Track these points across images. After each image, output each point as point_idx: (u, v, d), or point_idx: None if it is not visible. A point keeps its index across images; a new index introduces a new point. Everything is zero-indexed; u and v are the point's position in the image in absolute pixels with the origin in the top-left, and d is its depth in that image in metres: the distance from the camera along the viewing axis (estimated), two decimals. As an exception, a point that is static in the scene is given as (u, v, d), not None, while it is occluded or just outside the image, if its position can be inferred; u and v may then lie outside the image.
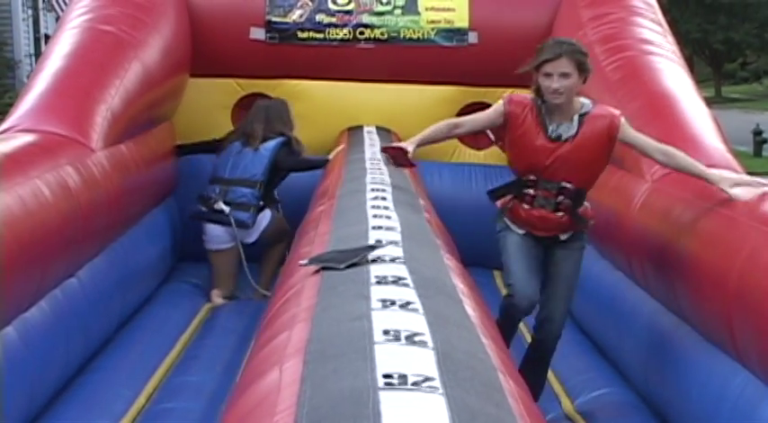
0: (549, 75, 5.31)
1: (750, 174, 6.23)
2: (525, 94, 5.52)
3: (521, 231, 5.57)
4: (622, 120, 5.40)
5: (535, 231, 5.55)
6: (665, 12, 8.78)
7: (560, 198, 5.45)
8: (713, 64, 50.04)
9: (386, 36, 8.94)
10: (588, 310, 7.16)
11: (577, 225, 5.56)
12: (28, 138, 6.06)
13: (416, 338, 2.62)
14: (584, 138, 5.34)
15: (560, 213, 5.48)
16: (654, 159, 5.48)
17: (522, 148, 5.46)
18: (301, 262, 3.81)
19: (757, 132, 25.36)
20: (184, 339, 6.97)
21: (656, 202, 5.97)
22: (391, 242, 3.90)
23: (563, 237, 5.59)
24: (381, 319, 2.78)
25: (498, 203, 5.73)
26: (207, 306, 7.87)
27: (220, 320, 7.43)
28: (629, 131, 5.40)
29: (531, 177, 5.47)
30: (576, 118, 5.35)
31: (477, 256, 8.32)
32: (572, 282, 5.63)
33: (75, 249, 5.75)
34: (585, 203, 5.59)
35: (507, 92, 8.89)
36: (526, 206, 5.52)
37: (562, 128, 5.36)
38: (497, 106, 5.54)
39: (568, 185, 5.44)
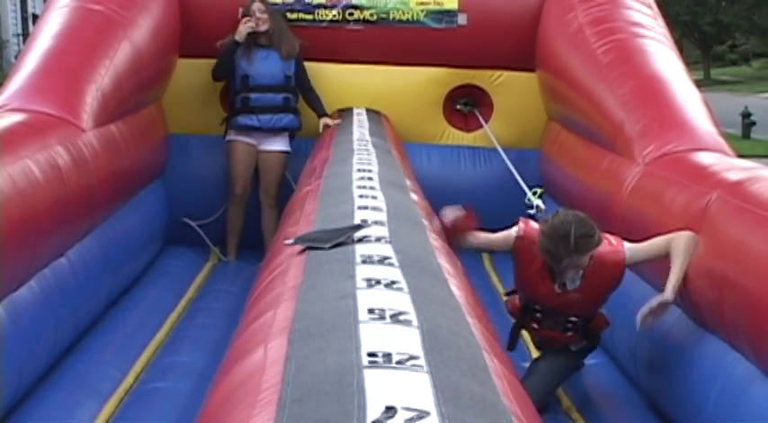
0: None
1: (739, 156, 6.25)
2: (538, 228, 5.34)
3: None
4: (627, 253, 5.25)
5: (544, 346, 5.62)
6: (656, -6, 8.76)
7: (569, 325, 5.46)
8: (702, 46, 50.05)
9: (375, 17, 8.92)
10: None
11: (590, 341, 5.59)
12: (18, 117, 6.05)
13: (401, 317, 2.63)
14: (590, 284, 5.27)
15: (570, 333, 5.49)
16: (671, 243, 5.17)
17: (528, 287, 5.45)
18: (287, 241, 3.81)
19: (746, 115, 25.39)
20: (173, 319, 6.98)
21: (648, 186, 5.97)
22: (377, 222, 3.90)
23: (573, 348, 5.60)
24: (366, 298, 2.79)
25: (509, 306, 5.75)
26: (195, 285, 7.90)
27: (209, 301, 7.44)
28: (634, 256, 5.26)
29: (537, 307, 5.48)
30: (589, 256, 5.20)
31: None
32: (559, 372, 5.61)
33: (64, 229, 5.74)
34: (600, 311, 5.55)
35: (497, 73, 9.02)
36: (535, 325, 5.53)
37: (568, 278, 5.26)
38: (509, 237, 5.40)
39: (576, 320, 5.45)
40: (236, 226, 8.77)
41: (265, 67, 8.49)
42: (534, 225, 5.40)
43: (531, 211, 6.67)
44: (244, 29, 8.40)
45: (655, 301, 5.02)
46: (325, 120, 8.47)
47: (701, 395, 4.78)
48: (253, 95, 8.49)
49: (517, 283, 5.58)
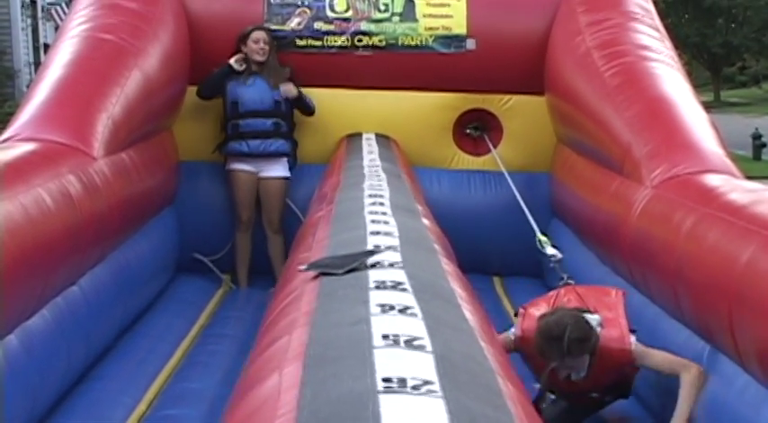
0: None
1: (749, 178, 6.26)
2: (538, 320, 5.26)
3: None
4: (633, 347, 5.15)
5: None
6: (663, 16, 8.80)
7: (593, 395, 5.43)
8: (712, 68, 50.06)
9: (384, 43, 8.96)
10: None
11: (621, 393, 5.51)
12: (29, 146, 6.08)
13: (415, 343, 2.63)
14: (597, 373, 5.16)
15: (595, 394, 5.42)
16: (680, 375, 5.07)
17: (539, 376, 5.28)
18: (300, 267, 3.82)
19: (756, 136, 25.38)
20: (185, 346, 6.99)
21: (656, 208, 5.98)
22: (389, 247, 3.91)
23: (608, 398, 5.54)
24: (380, 324, 2.79)
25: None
26: (207, 312, 7.91)
27: (220, 327, 7.45)
28: (643, 359, 5.18)
29: (554, 390, 5.39)
30: (585, 357, 5.12)
31: (477, 263, 8.33)
32: (583, 412, 5.54)
33: (76, 257, 5.76)
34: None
35: (506, 98, 9.05)
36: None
37: (564, 375, 5.18)
38: (508, 341, 5.30)
39: (595, 395, 5.40)
40: (244, 254, 8.79)
41: (254, 92, 8.57)
42: (533, 314, 5.33)
43: (552, 262, 6.59)
44: (236, 65, 8.50)
45: None
46: (287, 86, 8.62)
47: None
48: (242, 122, 8.56)
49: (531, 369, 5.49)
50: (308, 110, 8.79)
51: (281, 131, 8.64)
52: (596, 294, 5.50)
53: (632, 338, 5.20)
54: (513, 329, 5.38)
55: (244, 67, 8.55)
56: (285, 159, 8.69)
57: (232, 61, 8.53)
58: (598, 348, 5.08)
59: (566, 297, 5.45)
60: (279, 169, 8.67)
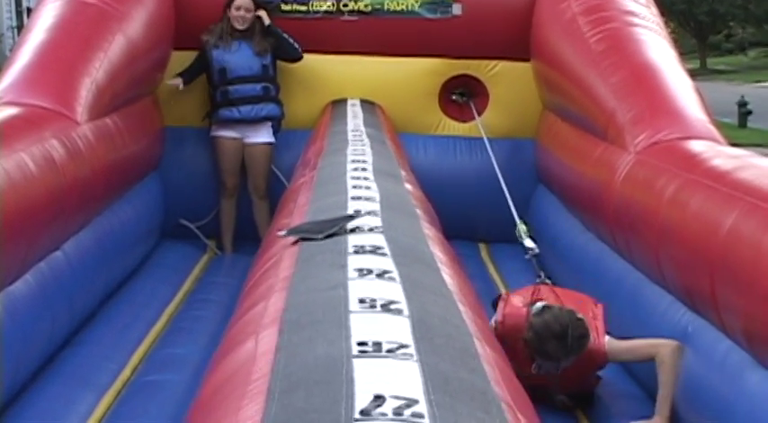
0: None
1: (734, 145, 6.25)
2: (521, 307, 5.29)
3: None
4: (607, 347, 5.17)
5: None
6: (650, -17, 8.76)
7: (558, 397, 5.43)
8: (698, 35, 50.01)
9: (370, 8, 8.92)
10: (572, 282, 7.19)
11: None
12: (12, 111, 6.05)
13: (392, 306, 2.64)
14: (568, 373, 5.15)
15: (561, 397, 5.43)
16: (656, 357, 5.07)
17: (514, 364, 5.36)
18: (280, 233, 3.82)
19: (742, 104, 25.39)
20: (169, 312, 6.99)
21: (640, 174, 5.98)
22: (370, 212, 3.91)
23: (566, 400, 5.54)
24: (357, 288, 2.80)
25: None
26: (192, 277, 7.91)
27: (205, 293, 7.45)
28: (616, 356, 5.21)
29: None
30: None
31: (463, 229, 8.34)
32: None
33: (60, 222, 5.75)
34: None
35: (492, 64, 9.02)
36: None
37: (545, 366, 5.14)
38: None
39: (564, 398, 5.39)
40: (229, 220, 8.80)
41: (240, 58, 8.55)
42: (515, 302, 5.32)
43: (527, 257, 6.59)
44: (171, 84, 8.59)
45: None
46: (262, 12, 8.63)
47: (695, 380, 4.80)
48: (231, 88, 8.54)
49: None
50: (294, 52, 8.72)
51: (270, 96, 8.64)
52: (573, 298, 5.47)
53: (606, 338, 5.21)
54: (493, 320, 5.33)
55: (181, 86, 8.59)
56: (270, 124, 8.67)
57: (169, 82, 8.59)
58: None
59: (544, 296, 5.42)
60: (264, 135, 8.66)
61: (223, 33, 8.54)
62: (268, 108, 8.62)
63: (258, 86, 8.59)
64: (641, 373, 5.67)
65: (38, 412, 5.10)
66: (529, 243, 6.54)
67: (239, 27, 8.51)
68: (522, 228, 6.72)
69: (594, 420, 5.48)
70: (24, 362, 5.19)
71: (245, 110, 8.55)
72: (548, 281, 5.80)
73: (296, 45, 8.67)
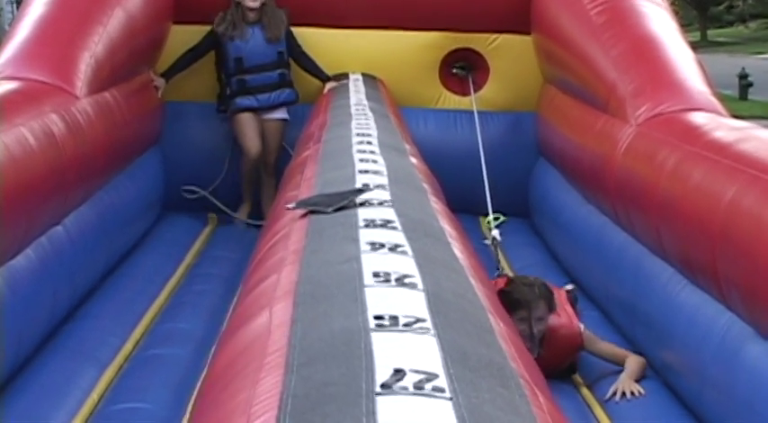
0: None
1: (735, 117, 6.24)
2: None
3: None
4: (584, 333, 5.49)
5: None
6: (650, -45, 8.71)
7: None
8: (699, 7, 49.86)
9: (371, -19, 8.88)
10: (574, 255, 7.19)
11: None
12: (11, 85, 6.03)
13: (406, 280, 2.62)
14: (547, 358, 5.21)
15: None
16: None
17: None
18: (288, 206, 3.80)
19: (743, 76, 25.33)
20: (171, 286, 6.98)
21: (641, 146, 5.97)
22: (378, 185, 3.90)
23: None
24: (371, 262, 2.78)
25: None
26: (193, 251, 7.90)
27: (207, 267, 7.44)
28: (592, 346, 5.50)
29: None
30: (536, 334, 5.33)
31: (464, 202, 8.30)
32: None
33: (60, 197, 5.73)
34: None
35: (492, 37, 8.99)
36: None
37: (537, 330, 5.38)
38: None
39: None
40: (251, 187, 8.76)
41: (255, 46, 8.50)
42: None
43: (486, 242, 6.73)
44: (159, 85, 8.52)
45: (619, 383, 5.24)
46: (331, 84, 8.46)
47: (695, 352, 4.81)
48: (248, 77, 8.51)
49: None
50: (322, 75, 8.68)
51: (286, 81, 8.66)
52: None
53: (582, 326, 5.51)
54: None
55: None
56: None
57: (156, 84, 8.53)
58: (548, 332, 5.35)
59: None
60: (280, 111, 8.69)
61: (236, 21, 8.46)
62: (285, 94, 8.64)
63: (275, 73, 8.60)
64: (627, 326, 5.74)
65: (40, 386, 5.10)
66: (494, 231, 7.00)
67: (251, 5, 8.42)
68: (491, 219, 6.89)
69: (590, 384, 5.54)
70: (26, 336, 5.19)
71: (263, 98, 8.56)
72: (505, 274, 6.24)
73: (323, 69, 8.69)
